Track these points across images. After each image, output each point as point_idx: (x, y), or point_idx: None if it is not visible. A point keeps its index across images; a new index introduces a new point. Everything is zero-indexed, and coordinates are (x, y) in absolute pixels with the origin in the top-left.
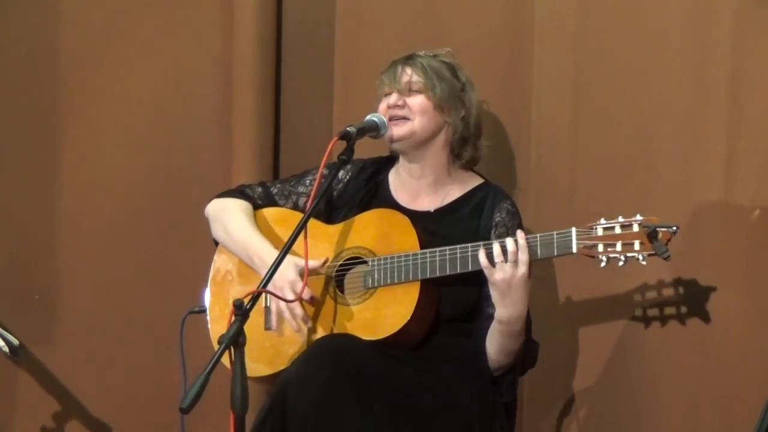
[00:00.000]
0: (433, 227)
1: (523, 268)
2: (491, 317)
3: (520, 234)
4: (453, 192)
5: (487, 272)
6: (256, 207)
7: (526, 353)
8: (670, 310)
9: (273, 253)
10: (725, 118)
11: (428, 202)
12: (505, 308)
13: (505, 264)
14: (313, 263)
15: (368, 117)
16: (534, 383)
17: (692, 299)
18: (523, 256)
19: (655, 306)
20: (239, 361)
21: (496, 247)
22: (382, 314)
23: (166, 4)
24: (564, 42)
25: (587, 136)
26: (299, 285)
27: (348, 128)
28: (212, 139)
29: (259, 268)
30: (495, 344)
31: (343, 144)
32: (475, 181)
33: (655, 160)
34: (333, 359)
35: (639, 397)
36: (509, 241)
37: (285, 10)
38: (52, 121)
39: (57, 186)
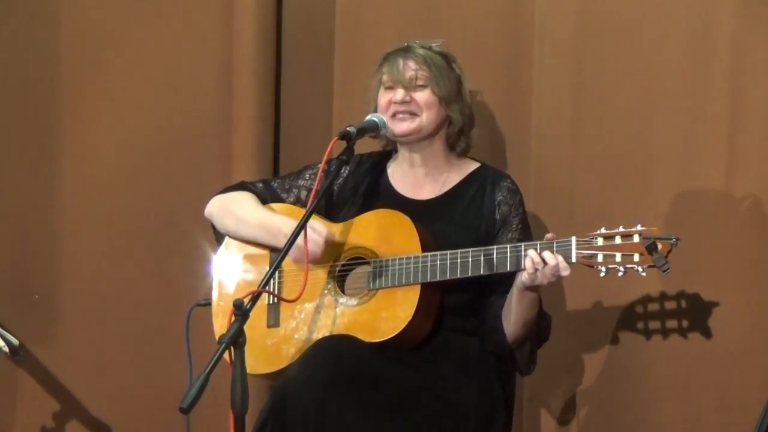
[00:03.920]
0: (435, 215)
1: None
2: (501, 297)
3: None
4: (452, 178)
5: (530, 277)
6: (260, 200)
7: (540, 324)
8: (669, 311)
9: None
10: (725, 118)
11: (429, 190)
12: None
13: (546, 271)
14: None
15: (368, 117)
16: (534, 383)
17: (692, 300)
18: (565, 273)
19: (654, 307)
20: (239, 361)
21: (533, 253)
22: (381, 317)
23: (166, 4)
24: (564, 42)
25: (587, 136)
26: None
27: (348, 128)
28: (212, 139)
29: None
30: (513, 315)
31: (343, 144)
32: (472, 166)
33: (654, 160)
34: (333, 360)
35: (639, 398)
36: (548, 255)
37: (285, 10)
38: (52, 121)
39: (57, 186)
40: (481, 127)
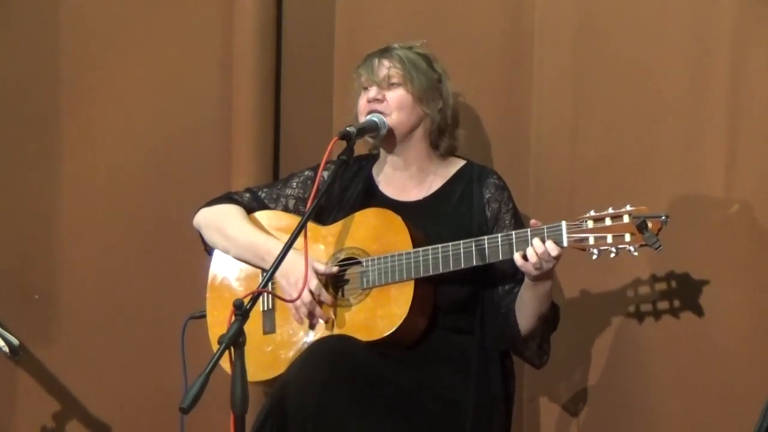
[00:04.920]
0: (425, 216)
1: (555, 261)
2: (509, 291)
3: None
4: (438, 179)
5: (523, 269)
6: (248, 211)
7: (552, 314)
8: (670, 310)
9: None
10: (725, 117)
11: (416, 192)
12: (539, 281)
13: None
14: (319, 267)
15: (368, 117)
16: (534, 383)
17: (692, 298)
18: (554, 252)
19: (655, 305)
20: (239, 361)
21: (530, 251)
22: (377, 315)
23: (166, 4)
24: (564, 42)
25: (587, 135)
26: (311, 282)
27: (348, 128)
28: (212, 139)
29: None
30: (526, 310)
31: (343, 144)
32: (457, 165)
33: (655, 159)
34: (331, 360)
35: (639, 396)
36: (537, 242)
37: (285, 10)
38: (52, 121)
39: (57, 186)
40: (480, 128)
